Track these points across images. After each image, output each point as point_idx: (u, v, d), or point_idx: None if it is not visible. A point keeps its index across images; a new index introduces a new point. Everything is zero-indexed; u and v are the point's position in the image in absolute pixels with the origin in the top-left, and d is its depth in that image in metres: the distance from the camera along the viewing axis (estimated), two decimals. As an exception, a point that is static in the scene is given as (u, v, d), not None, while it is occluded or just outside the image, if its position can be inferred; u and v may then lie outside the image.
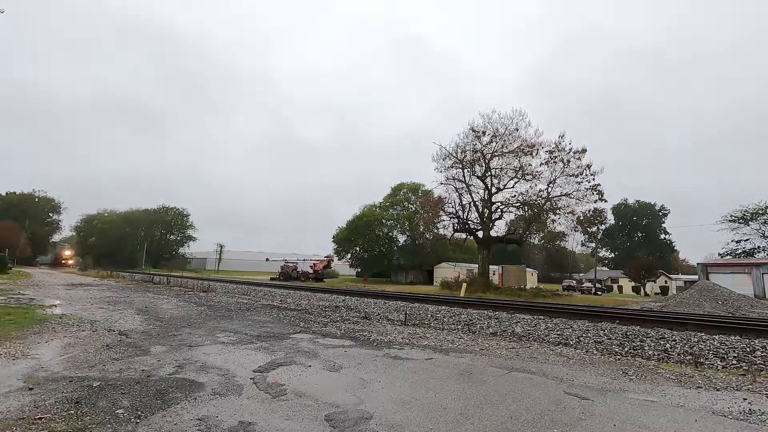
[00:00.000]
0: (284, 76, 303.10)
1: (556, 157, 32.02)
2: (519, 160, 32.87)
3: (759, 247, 58.59)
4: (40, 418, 3.28)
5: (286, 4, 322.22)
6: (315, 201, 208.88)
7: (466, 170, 34.61)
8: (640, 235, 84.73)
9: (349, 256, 64.12)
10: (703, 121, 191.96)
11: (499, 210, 34.82)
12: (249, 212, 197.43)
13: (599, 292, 50.19)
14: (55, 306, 11.71)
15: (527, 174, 32.65)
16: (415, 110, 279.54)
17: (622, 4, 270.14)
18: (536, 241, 56.20)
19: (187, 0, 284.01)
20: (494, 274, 39.21)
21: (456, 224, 35.81)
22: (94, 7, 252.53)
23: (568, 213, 32.11)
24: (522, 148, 32.43)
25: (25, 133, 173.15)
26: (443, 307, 13.28)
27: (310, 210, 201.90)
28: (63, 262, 78.19)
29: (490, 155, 33.64)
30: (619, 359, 6.82)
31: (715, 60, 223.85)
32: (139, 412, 3.50)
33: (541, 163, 32.71)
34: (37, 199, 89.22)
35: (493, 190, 34.21)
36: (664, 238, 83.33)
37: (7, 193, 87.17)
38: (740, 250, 60.26)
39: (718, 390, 4.89)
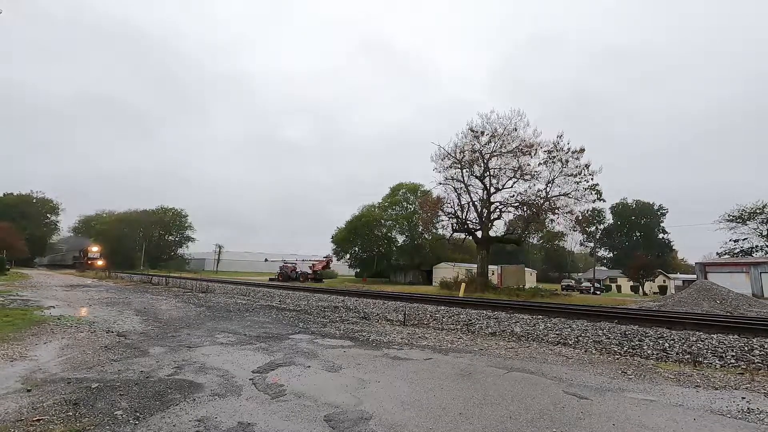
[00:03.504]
0: (264, 76, 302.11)
1: (554, 156, 32.10)
2: (518, 160, 32.93)
3: (757, 246, 58.87)
4: (38, 420, 3.26)
5: (259, 7, 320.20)
6: (304, 200, 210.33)
7: (464, 170, 34.66)
8: (638, 234, 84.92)
9: (348, 256, 64.14)
10: (684, 122, 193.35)
11: (497, 210, 34.88)
12: (240, 212, 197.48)
13: (598, 292, 50.28)
14: (53, 307, 11.67)
15: (526, 174, 32.72)
16: (392, 110, 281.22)
17: (603, 5, 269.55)
18: (535, 241, 56.31)
19: (161, 3, 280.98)
20: (493, 274, 39.23)
21: (455, 224, 35.84)
22: (75, 11, 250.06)
23: (566, 213, 32.19)
24: (520, 147, 32.50)
25: (8, 134, 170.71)
26: (442, 307, 13.28)
27: (300, 210, 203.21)
28: (90, 263, 56.02)
29: (488, 155, 33.69)
30: (617, 359, 6.83)
31: (690, 62, 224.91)
32: (138, 414, 3.49)
33: (540, 163, 32.84)
34: (34, 200, 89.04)
35: (492, 190, 34.25)
36: (663, 238, 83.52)
37: (4, 194, 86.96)
38: (738, 250, 60.50)
39: (716, 389, 4.91)
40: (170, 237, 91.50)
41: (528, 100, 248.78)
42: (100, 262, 56.52)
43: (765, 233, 58.14)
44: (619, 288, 64.88)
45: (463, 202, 35.09)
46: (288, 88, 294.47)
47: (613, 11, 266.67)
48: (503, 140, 33.14)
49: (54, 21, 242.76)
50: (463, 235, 38.34)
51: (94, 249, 61.29)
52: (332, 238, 64.22)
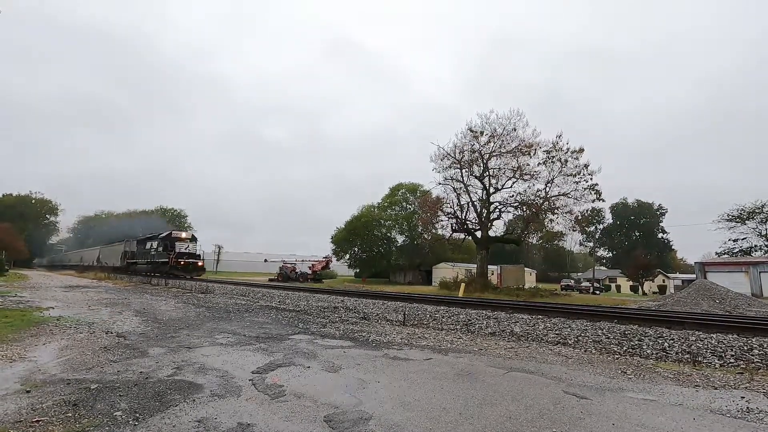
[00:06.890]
0: (244, 78, 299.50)
1: (553, 156, 32.20)
2: (517, 160, 33.00)
3: (756, 245, 59.00)
4: (37, 421, 3.26)
5: (234, 9, 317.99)
6: (296, 200, 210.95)
7: (464, 170, 34.73)
8: (638, 234, 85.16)
9: (347, 256, 64.12)
10: (683, 121, 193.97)
11: (497, 210, 34.94)
12: (235, 212, 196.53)
13: (597, 292, 50.35)
14: (53, 308, 11.65)
15: (525, 174, 32.78)
16: (371, 111, 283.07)
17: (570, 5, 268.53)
18: (534, 241, 56.29)
19: (135, 6, 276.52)
20: (492, 274, 39.27)
21: (454, 224, 35.88)
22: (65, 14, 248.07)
23: (566, 213, 32.27)
24: (520, 147, 32.57)
25: (7, 134, 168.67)
26: (442, 307, 13.27)
27: (293, 209, 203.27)
28: (183, 263, 32.16)
29: (488, 155, 33.76)
30: (617, 358, 6.83)
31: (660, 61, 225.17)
32: (138, 415, 3.48)
33: (539, 163, 32.94)
34: (33, 201, 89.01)
35: (491, 190, 34.32)
36: (662, 238, 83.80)
37: (3, 195, 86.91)
38: (737, 249, 60.62)
39: (716, 388, 4.91)
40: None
41: (507, 100, 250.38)
42: (200, 263, 33.41)
43: (764, 233, 58.27)
44: (618, 288, 64.92)
45: (462, 202, 35.19)
46: (268, 89, 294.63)
47: (592, 13, 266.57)
48: (502, 140, 33.22)
49: (43, 23, 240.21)
50: (462, 235, 38.39)
51: (183, 235, 35.02)
52: (332, 238, 64.23)
